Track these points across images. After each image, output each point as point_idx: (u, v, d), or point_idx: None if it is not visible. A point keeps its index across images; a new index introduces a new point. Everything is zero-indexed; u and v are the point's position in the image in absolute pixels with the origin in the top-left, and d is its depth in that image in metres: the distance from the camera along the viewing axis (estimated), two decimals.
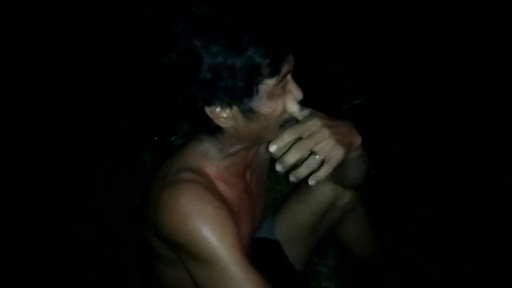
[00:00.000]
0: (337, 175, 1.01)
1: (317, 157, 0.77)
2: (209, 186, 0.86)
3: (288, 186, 1.56)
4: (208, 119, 0.80)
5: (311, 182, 0.78)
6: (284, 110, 0.81)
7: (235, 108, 0.78)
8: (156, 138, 1.89)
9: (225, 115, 0.79)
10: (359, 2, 2.39)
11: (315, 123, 0.79)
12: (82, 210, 1.66)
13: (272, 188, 1.61)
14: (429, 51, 2.19)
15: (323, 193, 1.14)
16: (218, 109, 0.78)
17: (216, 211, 0.81)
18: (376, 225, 1.31)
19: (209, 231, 0.78)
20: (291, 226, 1.20)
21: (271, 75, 0.75)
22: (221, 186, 0.90)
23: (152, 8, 2.04)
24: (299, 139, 0.78)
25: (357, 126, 0.86)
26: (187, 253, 0.81)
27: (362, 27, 2.32)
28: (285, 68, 0.76)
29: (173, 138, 1.83)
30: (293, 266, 1.21)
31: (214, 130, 0.84)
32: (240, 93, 0.76)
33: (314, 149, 0.77)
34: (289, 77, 0.80)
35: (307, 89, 0.84)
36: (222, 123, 0.80)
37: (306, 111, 0.82)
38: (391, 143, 1.85)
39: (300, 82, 0.83)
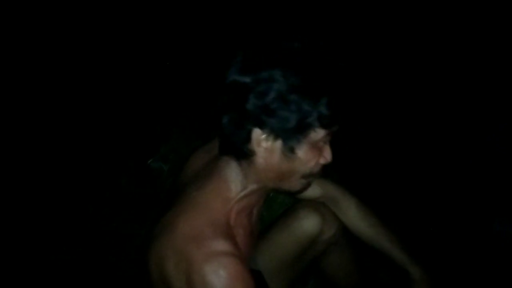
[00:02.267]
0: None
1: None
2: (242, 256, 0.84)
3: (268, 210, 1.54)
4: (248, 141, 0.81)
5: None
6: (315, 165, 0.85)
7: (279, 142, 0.81)
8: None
9: (265, 145, 0.82)
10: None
11: None
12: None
13: None
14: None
15: (308, 225, 1.14)
16: (264, 136, 0.81)
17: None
18: (358, 253, 1.29)
19: None
20: (274, 257, 1.17)
21: (326, 127, 0.80)
22: (239, 233, 0.89)
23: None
24: None
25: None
26: None
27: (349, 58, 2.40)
28: (335, 126, 0.82)
29: (150, 160, 1.80)
30: None
31: (245, 154, 0.84)
32: (293, 131, 0.79)
33: None
34: (329, 138, 0.85)
35: None
36: (259, 150, 0.82)
37: None
38: (363, 182, 1.87)
39: None
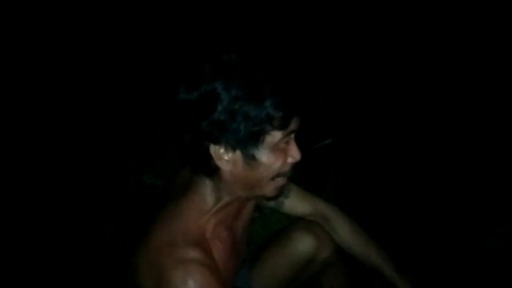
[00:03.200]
0: None
1: None
2: (213, 266, 0.86)
3: (263, 228, 1.55)
4: (210, 158, 0.82)
5: None
6: (281, 166, 0.84)
7: (238, 152, 0.81)
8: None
9: (226, 157, 0.82)
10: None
11: None
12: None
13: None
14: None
15: (304, 246, 1.15)
16: (222, 150, 0.81)
17: None
18: (353, 271, 1.31)
19: None
20: (269, 278, 1.19)
21: (280, 128, 0.79)
22: (216, 245, 0.90)
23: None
24: None
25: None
26: None
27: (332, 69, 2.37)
28: (293, 125, 0.82)
29: (144, 176, 1.80)
30: None
31: (212, 170, 0.85)
32: (248, 139, 0.79)
33: None
34: (292, 136, 0.84)
35: None
36: (222, 164, 0.83)
37: None
38: (362, 183, 1.89)
39: None
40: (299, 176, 1.18)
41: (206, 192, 0.90)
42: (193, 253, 0.84)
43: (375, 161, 1.96)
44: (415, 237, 1.69)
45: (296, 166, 0.88)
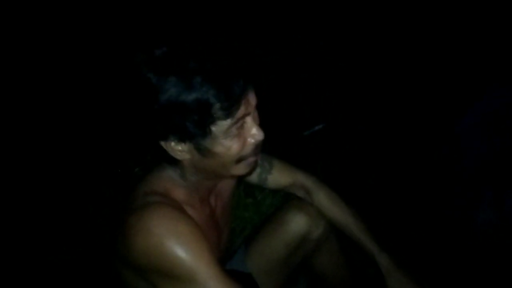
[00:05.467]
0: None
1: None
2: (178, 207, 0.86)
3: (257, 213, 1.56)
4: (165, 151, 0.82)
5: None
6: (241, 149, 0.83)
7: (189, 144, 0.81)
8: (119, 170, 1.86)
9: (180, 148, 0.81)
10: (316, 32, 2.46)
11: None
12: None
13: (241, 216, 1.60)
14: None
15: (297, 225, 1.16)
16: (173, 143, 0.80)
17: (189, 229, 0.81)
18: (347, 250, 1.31)
19: (185, 249, 0.78)
20: (264, 259, 1.19)
21: (225, 117, 0.77)
22: (188, 210, 0.90)
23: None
24: None
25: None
26: (162, 276, 0.80)
27: (322, 53, 2.39)
28: (241, 110, 0.78)
29: (137, 169, 1.82)
30: None
31: (172, 161, 0.85)
32: (193, 132, 0.78)
33: None
34: (249, 118, 0.82)
35: (269, 116, 0.87)
36: (178, 156, 0.83)
37: None
38: (353, 168, 1.89)
39: (261, 109, 0.85)
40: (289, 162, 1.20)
41: (170, 173, 0.90)
42: (153, 198, 0.84)
43: (375, 159, 1.96)
44: (403, 212, 1.69)
45: (265, 142, 0.85)
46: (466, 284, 1.42)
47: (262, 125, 0.85)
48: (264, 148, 1.15)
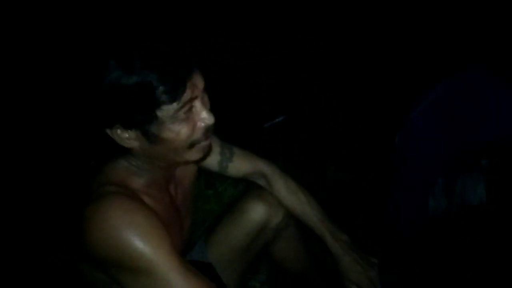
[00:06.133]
0: None
1: None
2: (135, 197, 0.84)
3: (217, 205, 1.56)
4: (112, 140, 0.80)
5: None
6: (191, 133, 0.81)
7: (136, 131, 0.79)
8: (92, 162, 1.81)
9: (127, 135, 0.79)
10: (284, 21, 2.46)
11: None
12: None
13: (202, 208, 1.59)
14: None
15: (256, 213, 1.16)
16: (119, 130, 0.79)
17: (147, 219, 0.79)
18: (306, 238, 1.33)
19: (143, 240, 0.76)
20: (225, 248, 1.19)
21: (170, 101, 0.75)
22: (146, 199, 0.88)
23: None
24: None
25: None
26: (121, 269, 0.78)
27: (283, 42, 2.40)
28: (187, 93, 0.76)
29: (92, 162, 1.76)
30: (227, 287, 1.20)
31: (121, 150, 0.83)
32: (137, 118, 0.76)
33: None
34: (197, 102, 0.80)
35: (229, 108, 0.86)
36: (126, 144, 0.81)
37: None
38: (313, 159, 1.91)
39: (220, 102, 0.85)
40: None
41: (124, 163, 0.88)
42: (108, 188, 0.82)
43: (375, 159, 1.97)
44: (361, 201, 1.73)
45: (215, 126, 0.83)
46: (419, 269, 1.47)
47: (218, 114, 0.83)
48: (226, 139, 1.16)
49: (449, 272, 1.43)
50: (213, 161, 1.14)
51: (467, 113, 1.40)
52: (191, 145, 0.83)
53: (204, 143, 0.86)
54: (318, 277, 1.41)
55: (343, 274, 1.14)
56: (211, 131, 0.86)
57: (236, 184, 1.62)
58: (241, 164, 1.18)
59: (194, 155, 0.87)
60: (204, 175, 1.47)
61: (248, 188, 1.27)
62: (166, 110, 0.76)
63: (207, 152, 0.90)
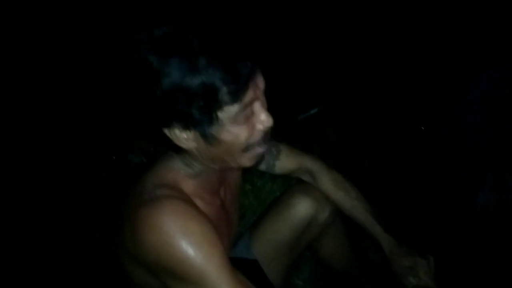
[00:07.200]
0: None
1: None
2: (189, 202, 0.82)
3: (256, 199, 1.54)
4: (169, 140, 0.77)
5: None
6: (249, 136, 0.77)
7: (195, 132, 0.75)
8: (114, 157, 1.81)
9: (185, 136, 0.76)
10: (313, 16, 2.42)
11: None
12: None
13: (240, 203, 1.57)
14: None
15: (303, 209, 1.14)
16: (177, 131, 0.75)
17: (201, 227, 0.77)
18: (352, 234, 1.29)
19: (196, 249, 0.74)
20: (271, 244, 1.17)
21: (232, 102, 0.71)
22: (199, 203, 0.86)
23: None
24: None
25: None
26: (172, 276, 0.77)
27: (315, 36, 2.36)
28: (249, 94, 0.72)
29: (130, 155, 1.77)
30: (273, 284, 1.18)
31: (178, 150, 0.80)
32: (198, 119, 0.72)
33: None
34: (257, 104, 0.76)
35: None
36: (183, 144, 0.78)
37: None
38: (349, 151, 1.88)
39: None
40: None
41: (178, 163, 0.87)
42: (163, 191, 0.80)
43: (363, 131, 1.95)
44: (405, 198, 1.67)
45: (273, 130, 0.80)
46: (468, 267, 1.42)
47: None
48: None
49: (500, 269, 1.37)
50: None
51: None
52: (247, 149, 0.80)
53: (259, 150, 0.82)
54: (362, 276, 1.38)
55: (397, 266, 1.08)
56: (268, 134, 0.82)
57: (274, 179, 1.60)
58: (287, 161, 1.16)
59: (247, 161, 0.83)
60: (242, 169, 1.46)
61: (287, 183, 1.24)
62: (227, 112, 0.72)
63: (260, 161, 0.87)
